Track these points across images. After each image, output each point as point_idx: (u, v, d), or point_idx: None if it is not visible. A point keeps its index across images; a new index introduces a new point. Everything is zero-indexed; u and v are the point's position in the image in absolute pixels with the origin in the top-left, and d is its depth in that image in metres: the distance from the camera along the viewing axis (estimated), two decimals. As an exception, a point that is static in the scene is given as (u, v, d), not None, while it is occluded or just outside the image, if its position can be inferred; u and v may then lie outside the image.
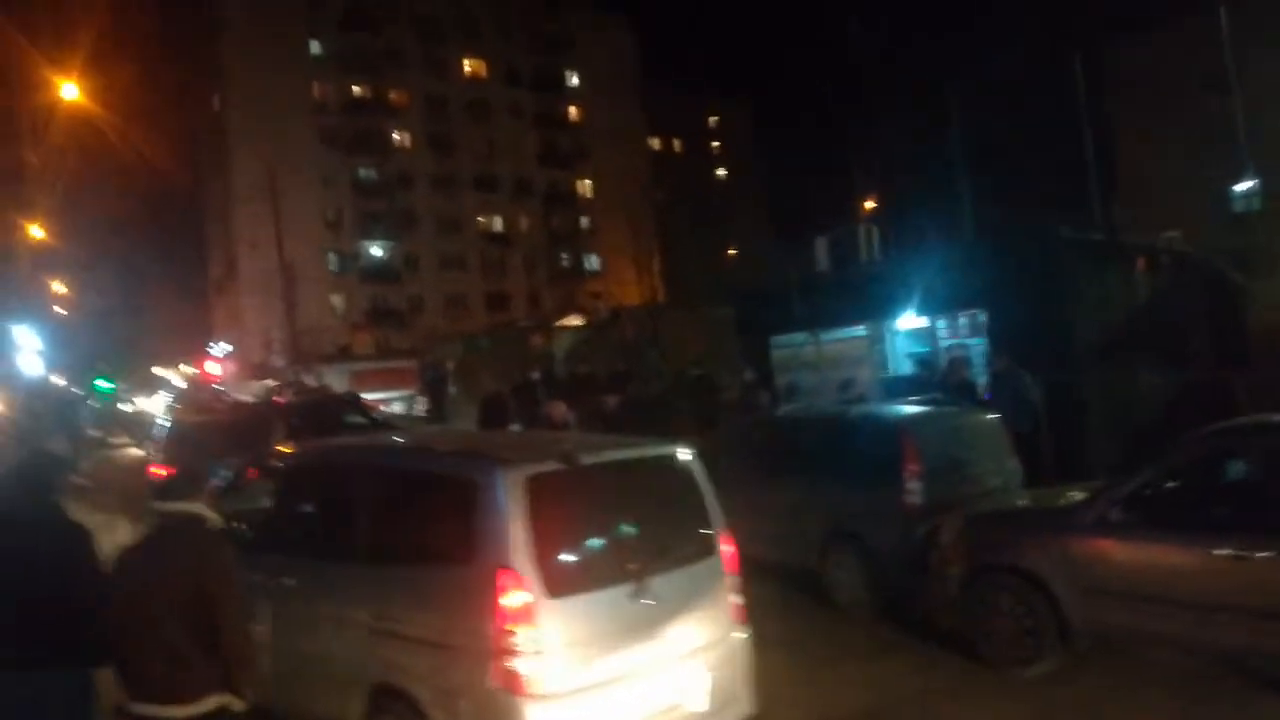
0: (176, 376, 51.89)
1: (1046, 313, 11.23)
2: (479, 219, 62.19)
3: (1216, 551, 5.53)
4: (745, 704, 5.02)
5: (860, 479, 8.00)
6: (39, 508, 4.10)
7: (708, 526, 5.15)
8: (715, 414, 13.53)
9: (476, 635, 4.31)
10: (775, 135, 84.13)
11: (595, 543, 4.79)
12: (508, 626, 4.19)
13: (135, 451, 22.69)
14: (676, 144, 74.29)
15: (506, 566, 4.25)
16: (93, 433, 25.65)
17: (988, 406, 9.57)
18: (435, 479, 5.02)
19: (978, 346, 12.47)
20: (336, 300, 56.79)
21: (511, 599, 4.21)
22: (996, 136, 30.66)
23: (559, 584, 4.37)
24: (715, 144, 77.70)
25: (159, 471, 11.21)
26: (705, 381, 16.57)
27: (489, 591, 4.26)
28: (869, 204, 29.17)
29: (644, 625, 4.61)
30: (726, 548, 5.14)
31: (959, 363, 11.48)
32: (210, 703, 3.58)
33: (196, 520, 3.80)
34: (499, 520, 4.37)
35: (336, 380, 34.57)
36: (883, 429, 8.42)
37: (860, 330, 14.54)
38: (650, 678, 4.59)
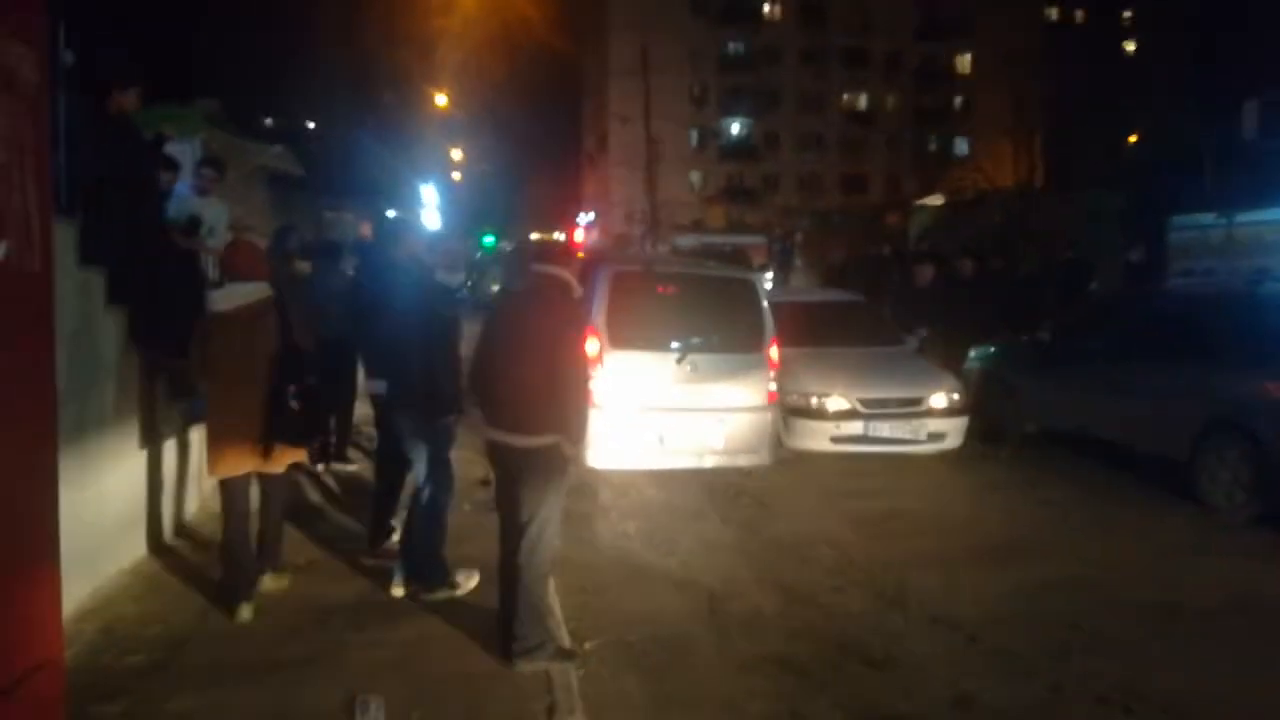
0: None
1: None
2: (844, 96, 60.14)
3: None
4: (763, 455, 7.47)
5: (1256, 364, 6.85)
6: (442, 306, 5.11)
7: (760, 334, 7.49)
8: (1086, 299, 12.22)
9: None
10: None
11: (654, 322, 7.24)
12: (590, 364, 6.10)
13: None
14: (1079, 14, 65.70)
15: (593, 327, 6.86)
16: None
17: None
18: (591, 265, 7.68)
19: None
20: (694, 176, 58.31)
21: (589, 346, 6.42)
22: None
23: (621, 342, 7.08)
24: (1126, 13, 67.60)
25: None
26: (1078, 266, 14.97)
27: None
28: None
29: (685, 384, 7.17)
30: (772, 350, 7.50)
31: None
32: (549, 439, 4.07)
33: (562, 283, 4.27)
34: (594, 297, 7.05)
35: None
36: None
37: (1283, 213, 12.22)
38: (685, 417, 7.17)
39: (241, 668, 4.01)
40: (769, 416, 7.53)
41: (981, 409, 8.83)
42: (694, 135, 58.45)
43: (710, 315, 7.54)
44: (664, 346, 7.21)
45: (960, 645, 4.67)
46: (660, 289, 7.52)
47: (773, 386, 7.49)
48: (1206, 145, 12.94)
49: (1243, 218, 12.50)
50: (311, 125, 27.27)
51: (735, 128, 59.77)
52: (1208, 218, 12.85)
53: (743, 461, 7.47)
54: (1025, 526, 6.80)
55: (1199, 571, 5.85)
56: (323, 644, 4.28)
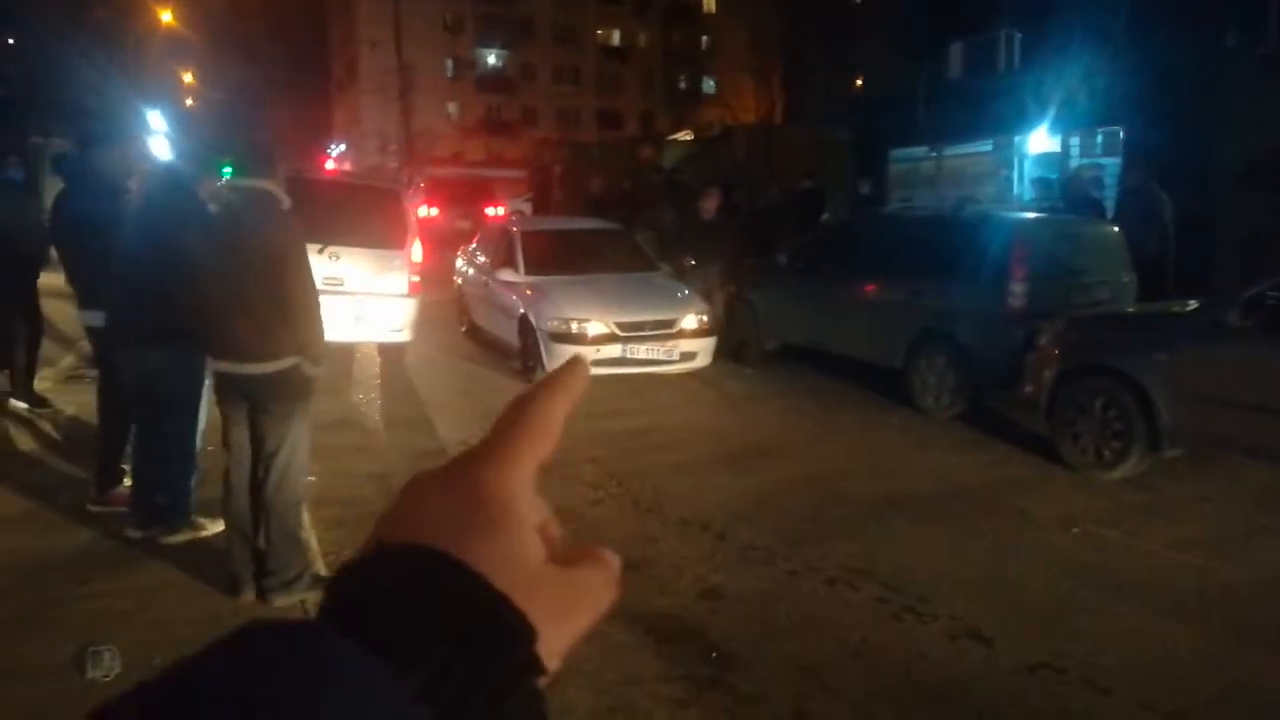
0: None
1: (1192, 131, 10.24)
2: (598, 31, 60.26)
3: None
4: (405, 334, 9.00)
5: (962, 280, 7.67)
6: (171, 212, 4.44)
7: (401, 235, 9.03)
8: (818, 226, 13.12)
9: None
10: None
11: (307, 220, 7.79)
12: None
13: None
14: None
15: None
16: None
17: (1110, 220, 8.94)
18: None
19: (1111, 166, 11.56)
20: (451, 107, 56.62)
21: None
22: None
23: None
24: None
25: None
26: (813, 195, 16.03)
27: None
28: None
29: (330, 272, 8.09)
30: (414, 250, 9.02)
31: (1082, 180, 10.69)
32: (287, 362, 3.89)
33: (270, 195, 3.97)
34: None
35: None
36: (991, 230, 7.96)
37: (986, 146, 13.62)
38: (331, 300, 6.65)
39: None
40: (410, 303, 8.89)
41: (728, 329, 9.37)
42: (449, 64, 56.54)
43: (357, 217, 8.74)
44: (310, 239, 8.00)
45: (709, 543, 5.01)
46: (315, 194, 8.31)
47: (415, 279, 8.92)
48: (920, 84, 14.12)
49: (950, 151, 13.85)
50: (10, 41, 23.82)
51: (491, 58, 58.36)
52: (920, 151, 14.11)
53: (386, 338, 9.00)
54: (766, 433, 7.34)
55: (913, 465, 6.59)
56: (41, 599, 3.93)
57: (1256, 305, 5.59)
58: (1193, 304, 6.37)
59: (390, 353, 9.36)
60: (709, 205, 10.45)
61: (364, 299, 8.60)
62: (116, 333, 4.58)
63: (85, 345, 5.54)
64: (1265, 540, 5.17)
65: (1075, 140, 12.41)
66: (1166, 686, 3.64)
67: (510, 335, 9.13)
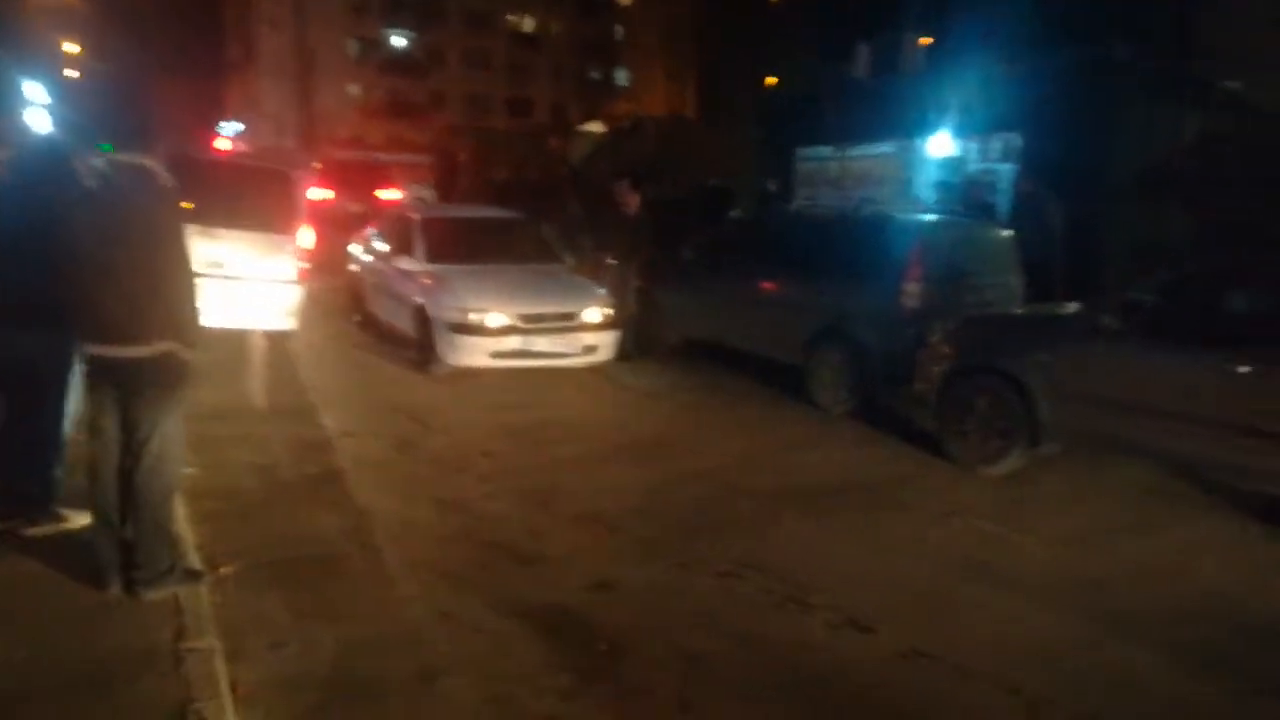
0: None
1: (1083, 141, 10.69)
2: (509, 17, 59.54)
3: (1203, 363, 5.41)
4: (290, 322, 8.65)
5: (858, 279, 7.84)
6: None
7: (291, 219, 8.73)
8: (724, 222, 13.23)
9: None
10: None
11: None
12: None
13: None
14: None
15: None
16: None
17: (1002, 224, 9.27)
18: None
19: (1006, 171, 11.98)
20: (354, 89, 55.15)
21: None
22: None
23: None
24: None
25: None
26: (722, 194, 16.19)
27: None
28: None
29: (212, 254, 7.86)
30: (301, 235, 8.74)
31: (977, 185, 11.07)
32: (161, 346, 3.70)
33: (147, 171, 3.77)
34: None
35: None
36: (887, 230, 8.16)
37: (887, 148, 13.94)
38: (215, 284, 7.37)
39: None
40: (298, 290, 8.59)
41: (632, 322, 9.37)
42: (353, 46, 55.04)
43: (245, 199, 8.37)
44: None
45: (601, 537, 4.99)
46: (206, 175, 8.16)
47: (304, 265, 8.63)
48: (827, 84, 14.38)
49: (855, 151, 14.15)
50: None
51: (398, 40, 57.05)
52: (825, 150, 14.38)
53: (270, 325, 8.55)
54: (664, 427, 7.38)
55: (808, 460, 6.71)
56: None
57: (1134, 308, 5.85)
58: (1075, 306, 6.65)
59: (276, 341, 9.01)
60: (632, 201, 10.21)
61: (248, 284, 8.28)
62: None
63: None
64: (1136, 534, 5.43)
65: (974, 145, 12.80)
66: (1035, 671, 3.78)
67: (407, 325, 8.92)
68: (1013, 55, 12.55)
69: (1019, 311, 7.47)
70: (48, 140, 5.51)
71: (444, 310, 8.14)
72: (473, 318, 8.03)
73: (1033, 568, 4.87)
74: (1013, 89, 11.79)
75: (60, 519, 4.33)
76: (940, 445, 6.59)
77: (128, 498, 3.83)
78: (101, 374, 3.85)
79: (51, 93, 35.96)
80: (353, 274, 11.05)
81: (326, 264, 10.22)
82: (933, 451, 6.64)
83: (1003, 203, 11.02)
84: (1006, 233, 8.58)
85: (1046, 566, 4.90)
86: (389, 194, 21.19)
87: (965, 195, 10.71)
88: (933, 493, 6.01)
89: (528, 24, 60.46)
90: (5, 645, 3.32)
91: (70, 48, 42.34)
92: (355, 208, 18.00)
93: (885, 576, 4.68)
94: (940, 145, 13.00)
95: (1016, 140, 11.82)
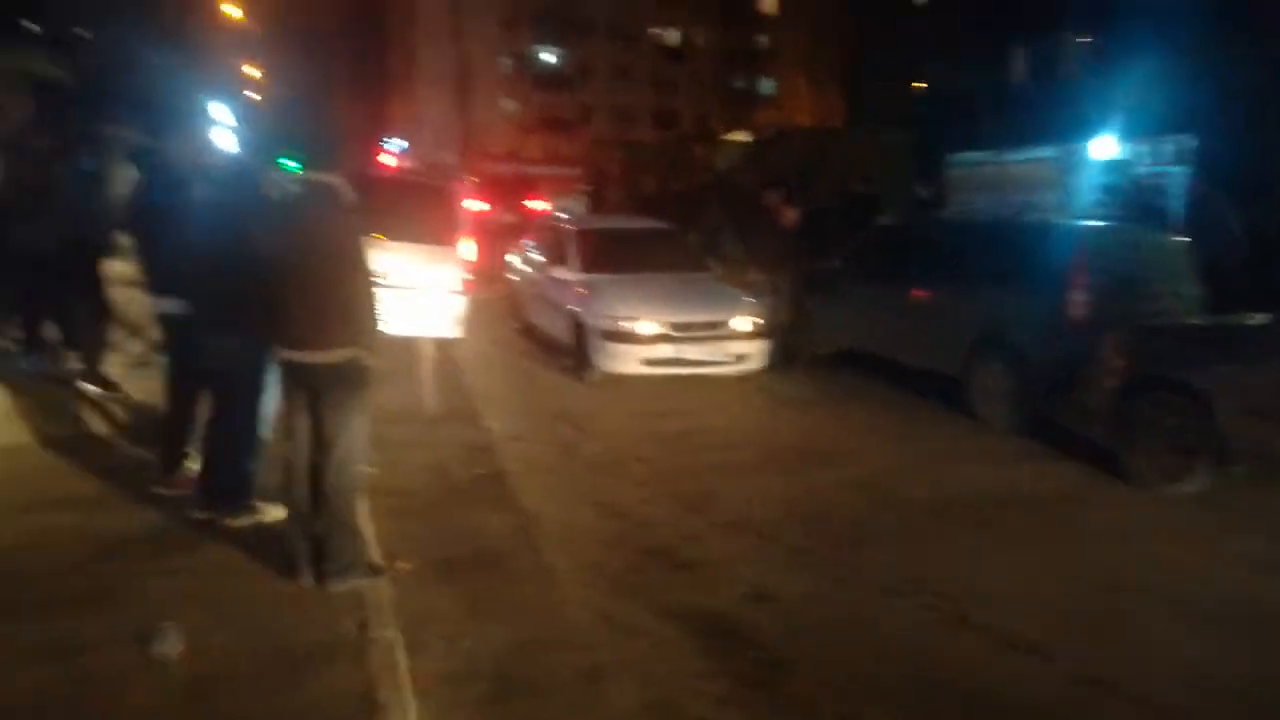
0: (356, 168, 53.98)
1: (1264, 140, 9.96)
2: (653, 30, 60.30)
3: None
4: (455, 330, 8.76)
5: (1022, 287, 7.55)
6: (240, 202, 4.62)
7: (452, 232, 9.27)
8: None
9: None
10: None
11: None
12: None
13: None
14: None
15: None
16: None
17: (1175, 230, 8.73)
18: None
19: (1178, 175, 11.27)
20: (508, 104, 57.13)
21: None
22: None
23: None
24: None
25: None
26: (869, 200, 15.88)
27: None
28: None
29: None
30: (463, 247, 9.29)
31: (1145, 188, 10.45)
32: (347, 352, 3.99)
33: (334, 189, 4.08)
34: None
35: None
36: (1053, 237, 7.83)
37: (1048, 152, 13.35)
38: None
39: (14, 606, 3.74)
40: (463, 300, 8.75)
41: (783, 332, 9.31)
42: (506, 62, 57.08)
43: (411, 214, 8.84)
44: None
45: (756, 545, 5.00)
46: (377, 192, 8.71)
47: (468, 276, 8.94)
48: (981, 89, 13.92)
49: (1011, 156, 13.62)
50: (86, 35, 24.52)
51: (548, 56, 58.77)
52: (980, 155, 13.90)
53: (438, 333, 8.45)
54: (816, 436, 7.31)
55: (967, 472, 6.50)
56: (111, 577, 4.05)
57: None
58: (1263, 318, 6.20)
59: (442, 348, 9.42)
60: (789, 215, 9.89)
61: (419, 294, 8.54)
62: (194, 319, 4.70)
63: (154, 332, 5.68)
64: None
65: (1143, 148, 12.11)
66: (1216, 705, 3.55)
67: (563, 333, 9.19)
68: (1185, 52, 11.82)
69: (1200, 322, 7.01)
70: (237, 160, 5.98)
71: (597, 318, 8.35)
72: (624, 325, 8.20)
73: (1213, 594, 4.57)
74: (1186, 89, 11.09)
75: (257, 512, 4.69)
76: (1114, 461, 6.26)
77: (318, 494, 4.13)
78: (294, 378, 4.16)
79: (235, 114, 38.86)
80: (511, 283, 11.45)
81: (485, 273, 10.61)
82: (1100, 466, 6.32)
83: (1175, 207, 10.38)
84: (1179, 239, 8.09)
85: (1228, 594, 4.59)
86: (537, 204, 21.92)
87: (1131, 200, 10.14)
88: (1102, 509, 5.73)
89: (671, 37, 61.06)
90: (205, 629, 3.61)
91: (251, 71, 45.66)
92: (509, 219, 18.70)
93: (1054, 596, 4.49)
94: (1104, 148, 12.35)
95: (1190, 142, 11.11)
